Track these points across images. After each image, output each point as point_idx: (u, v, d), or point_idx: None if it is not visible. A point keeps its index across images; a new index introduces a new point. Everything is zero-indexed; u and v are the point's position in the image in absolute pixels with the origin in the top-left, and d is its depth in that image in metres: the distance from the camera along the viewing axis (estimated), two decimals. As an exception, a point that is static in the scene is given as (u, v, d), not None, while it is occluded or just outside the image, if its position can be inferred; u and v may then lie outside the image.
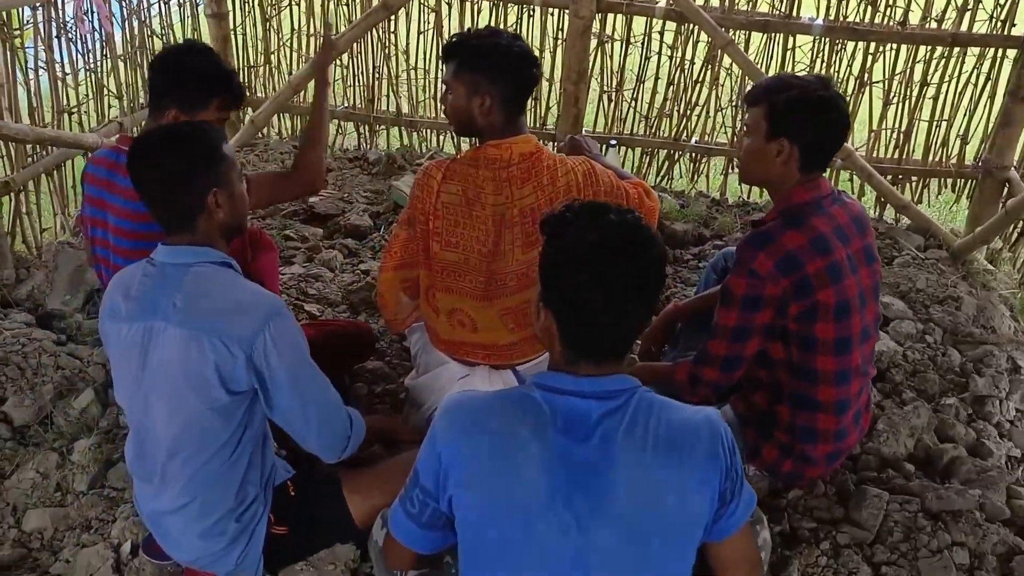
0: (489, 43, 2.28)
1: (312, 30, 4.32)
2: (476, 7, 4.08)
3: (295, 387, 1.90)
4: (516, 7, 4.02)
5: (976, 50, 3.65)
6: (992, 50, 3.63)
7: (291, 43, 4.40)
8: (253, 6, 4.34)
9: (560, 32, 4.01)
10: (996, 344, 3.10)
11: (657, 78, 4.00)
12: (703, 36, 3.85)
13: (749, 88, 2.28)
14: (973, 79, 3.71)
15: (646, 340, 2.85)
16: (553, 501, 1.46)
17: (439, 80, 4.28)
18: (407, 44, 4.28)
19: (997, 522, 2.40)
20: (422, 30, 4.20)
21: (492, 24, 4.07)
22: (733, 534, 1.59)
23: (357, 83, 4.40)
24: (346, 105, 4.47)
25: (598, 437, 1.48)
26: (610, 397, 1.50)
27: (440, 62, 4.22)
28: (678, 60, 3.93)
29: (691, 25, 3.82)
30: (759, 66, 3.79)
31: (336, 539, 2.14)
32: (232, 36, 4.36)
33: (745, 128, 2.25)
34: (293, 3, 4.29)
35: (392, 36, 4.23)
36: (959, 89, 3.74)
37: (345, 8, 4.22)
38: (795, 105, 2.12)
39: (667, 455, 1.48)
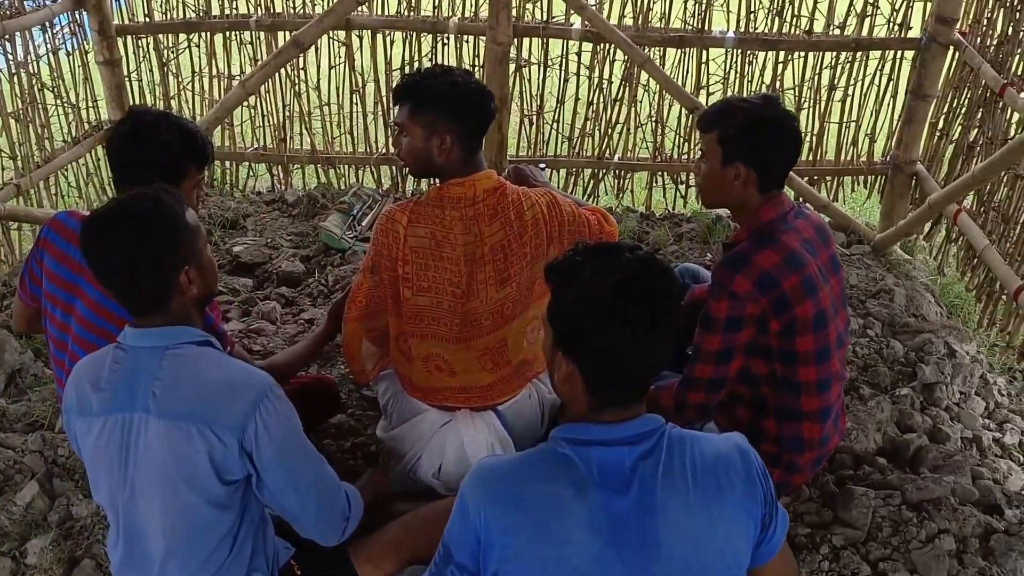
0: (445, 82, 2.25)
1: (214, 71, 4.14)
2: (389, 39, 4.00)
3: (289, 470, 1.77)
4: (430, 36, 3.96)
5: (877, 53, 3.84)
6: (892, 52, 3.83)
7: (192, 86, 4.20)
8: (148, 50, 4.13)
9: (476, 59, 3.99)
10: (932, 331, 3.25)
11: (577, 99, 4.02)
12: (619, 55, 3.91)
13: (700, 114, 2.30)
14: (876, 80, 3.90)
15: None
16: (605, 558, 1.43)
17: (354, 114, 4.18)
18: (318, 80, 4.15)
19: (969, 504, 2.52)
20: (333, 64, 4.09)
21: (406, 55, 4.01)
22: (775, 555, 1.59)
23: (267, 123, 4.24)
24: (256, 146, 4.31)
25: (636, 485, 1.45)
26: (641, 440, 1.48)
27: (352, 96, 4.13)
28: (596, 80, 3.96)
29: (607, 45, 3.87)
30: (676, 80, 3.88)
31: None
32: (127, 83, 4.12)
33: (701, 153, 2.27)
34: (192, 44, 4.10)
35: (302, 72, 4.10)
36: (864, 91, 3.92)
37: (249, 47, 4.07)
38: (745, 129, 2.16)
39: (707, 493, 1.47)
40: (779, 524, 1.59)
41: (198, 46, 4.11)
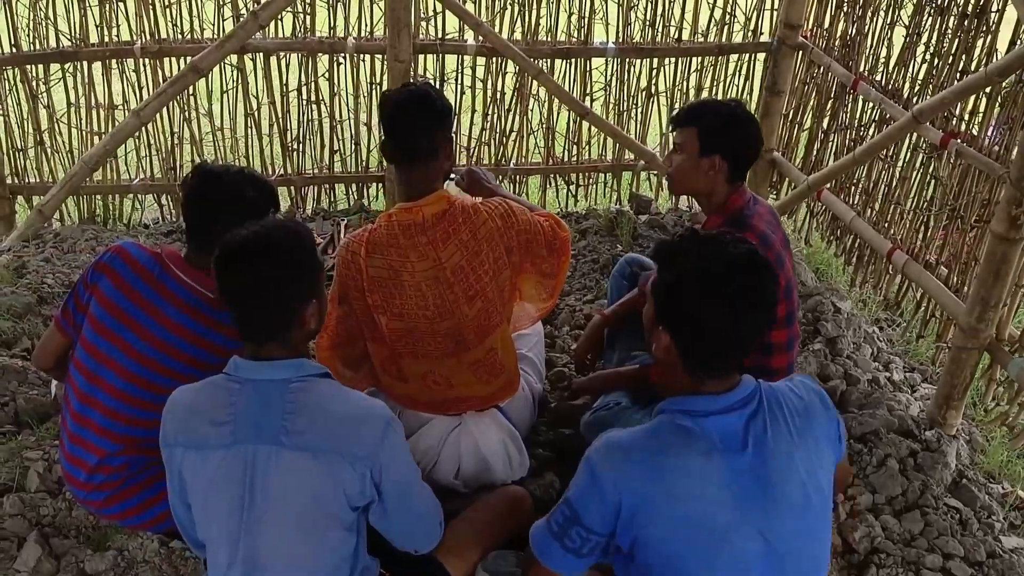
0: (385, 98, 2.38)
1: (93, 102, 3.94)
2: (284, 61, 4.00)
3: (408, 494, 1.90)
4: (326, 57, 4.00)
5: (735, 57, 4.34)
6: (748, 55, 4.34)
7: (68, 119, 3.97)
8: (15, 84, 3.85)
9: (373, 77, 4.08)
10: (820, 294, 3.76)
11: (473, 110, 4.22)
12: (510, 68, 4.15)
13: (676, 112, 2.61)
14: (736, 81, 4.41)
15: (581, 351, 3.09)
16: (739, 511, 1.63)
17: (250, 138, 4.14)
18: (209, 105, 4.06)
19: (893, 431, 3.00)
20: (226, 89, 4.03)
21: (301, 75, 4.03)
22: (842, 458, 1.85)
23: (153, 152, 4.09)
24: (142, 176, 4.13)
25: (751, 443, 1.66)
26: (746, 404, 1.69)
27: (247, 119, 4.08)
28: (491, 92, 4.18)
29: (499, 59, 4.10)
30: (566, 87, 4.18)
31: None
32: (-7, 120, 3.83)
33: (675, 147, 2.57)
34: (67, 73, 3.88)
35: (192, 99, 4.00)
36: (726, 90, 4.42)
37: (134, 75, 3.91)
38: (726, 126, 2.49)
39: (804, 436, 1.71)
40: (843, 432, 1.85)
41: (73, 76, 3.89)
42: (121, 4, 3.77)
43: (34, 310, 3.31)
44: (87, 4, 3.74)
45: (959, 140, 3.10)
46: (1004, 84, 2.94)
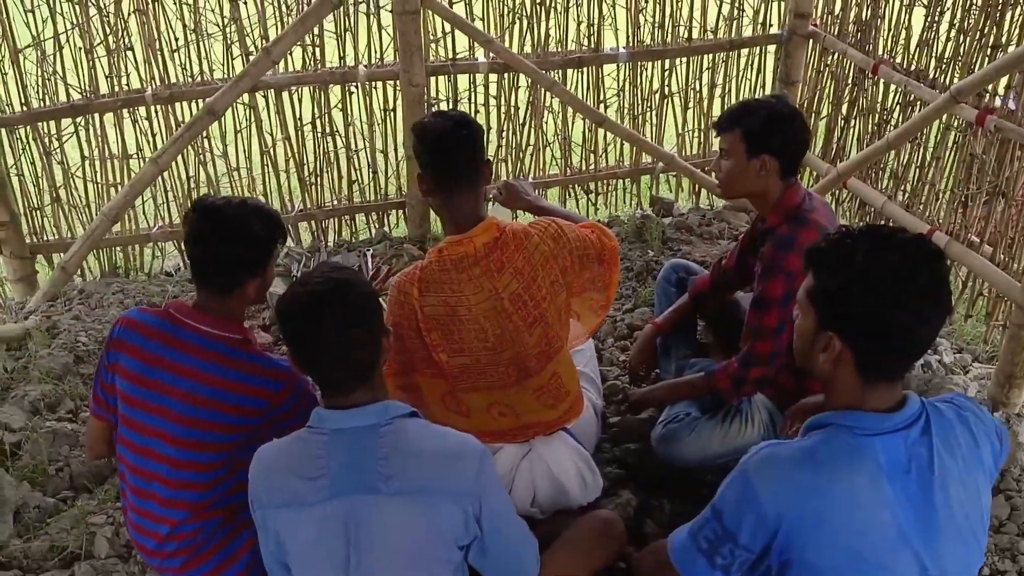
0: (422, 123, 2.31)
1: (107, 153, 3.87)
2: (297, 96, 3.95)
3: (507, 524, 1.84)
4: (338, 87, 3.95)
5: (747, 50, 4.32)
6: (758, 48, 4.32)
7: (83, 172, 3.90)
8: (27, 142, 3.79)
9: (386, 103, 4.03)
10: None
11: (488, 127, 4.17)
12: (522, 82, 4.11)
13: (718, 117, 2.58)
14: (748, 75, 4.38)
15: (636, 362, 3.04)
16: (904, 540, 1.55)
17: (267, 175, 4.09)
18: (224, 146, 4.00)
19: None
20: (239, 129, 3.97)
21: (315, 108, 3.98)
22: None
23: (170, 198, 4.03)
24: (161, 224, 4.07)
25: (915, 469, 1.57)
26: (912, 424, 1.59)
27: (263, 157, 4.03)
28: (504, 108, 4.14)
29: (511, 74, 4.06)
30: (580, 97, 4.15)
31: None
32: (8, 179, 3.76)
33: (722, 152, 2.53)
34: (79, 127, 3.81)
35: (206, 141, 3.94)
36: (739, 85, 4.39)
37: (146, 122, 3.85)
38: (769, 124, 2.45)
39: (968, 464, 1.61)
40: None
41: (85, 129, 3.82)
42: (129, 52, 3.71)
43: (72, 370, 3.25)
44: (95, 55, 3.68)
45: (995, 116, 3.08)
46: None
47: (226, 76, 3.84)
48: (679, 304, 3.03)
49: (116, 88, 3.76)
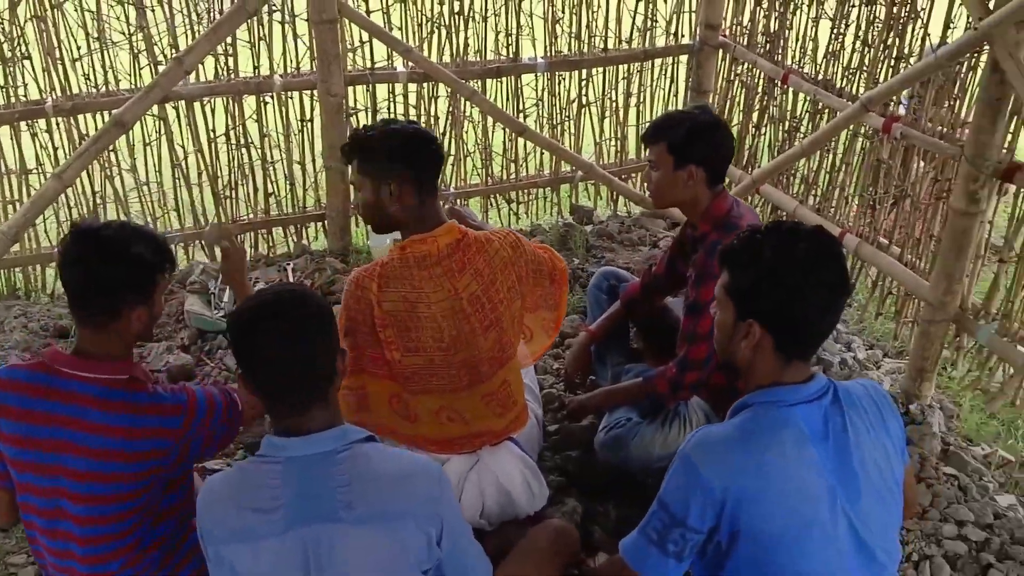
0: (385, 131, 2.30)
1: (3, 168, 3.65)
2: (209, 106, 3.81)
3: (465, 544, 1.81)
4: (253, 97, 3.84)
5: (659, 60, 4.41)
6: (671, 58, 4.42)
7: (-23, 189, 3.67)
8: (-89, 157, 3.53)
9: (303, 113, 3.94)
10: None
11: (408, 138, 4.12)
12: (441, 92, 4.09)
13: (645, 130, 2.62)
14: (662, 83, 4.48)
15: (572, 370, 3.06)
16: (834, 500, 1.68)
17: (178, 189, 3.93)
18: (132, 160, 3.82)
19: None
20: (148, 141, 3.80)
21: (228, 119, 3.85)
22: (908, 464, 1.89)
23: (74, 215, 3.82)
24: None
25: (832, 434, 1.72)
26: (823, 395, 1.75)
27: (174, 171, 3.88)
28: (424, 119, 4.10)
29: (431, 84, 4.03)
30: (500, 107, 4.15)
31: None
32: None
33: (651, 163, 2.58)
34: (-32, 143, 3.58)
35: (112, 154, 3.76)
36: (653, 94, 4.48)
37: (46, 135, 3.65)
38: (692, 135, 2.50)
39: (875, 428, 1.77)
40: (904, 434, 1.90)
41: (-23, 144, 3.59)
42: (27, 61, 3.51)
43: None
44: (-11, 64, 3.47)
45: (900, 123, 3.24)
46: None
47: (133, 87, 3.68)
48: (611, 311, 3.06)
49: (13, 99, 3.55)
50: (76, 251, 1.90)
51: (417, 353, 2.31)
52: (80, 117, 3.66)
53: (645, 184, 2.71)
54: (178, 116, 3.78)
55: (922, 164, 3.41)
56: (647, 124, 4.43)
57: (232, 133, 3.89)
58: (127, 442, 1.89)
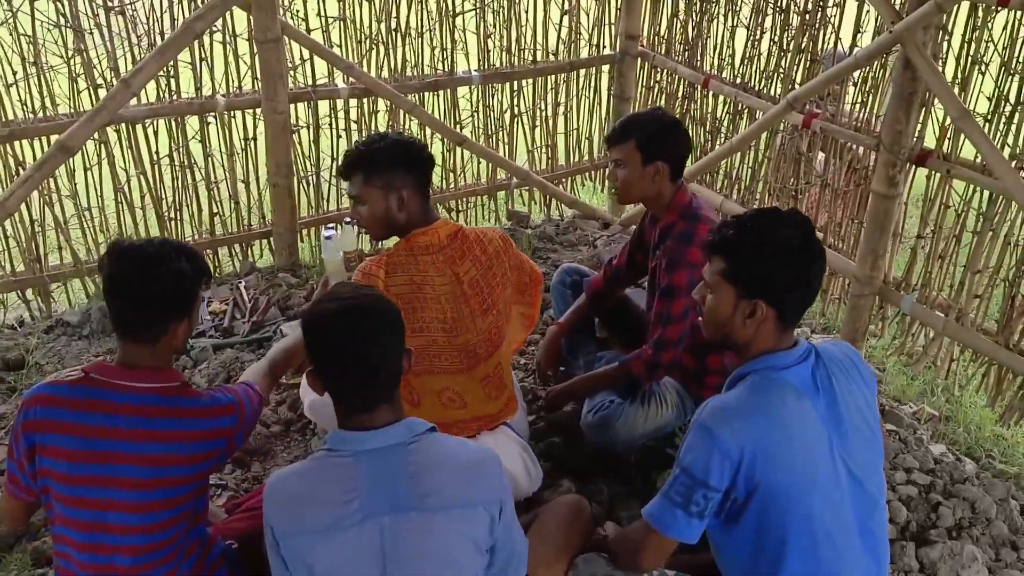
0: (383, 144, 2.47)
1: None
2: (153, 129, 3.79)
3: (515, 522, 1.94)
4: (195, 117, 3.84)
5: (584, 71, 4.66)
6: (594, 68, 4.67)
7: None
8: None
9: (246, 132, 3.97)
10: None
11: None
12: (381, 107, 4.19)
13: (610, 132, 2.80)
14: (587, 92, 4.72)
15: (545, 363, 3.21)
16: (831, 446, 1.91)
17: (121, 213, 3.88)
18: (74, 185, 3.75)
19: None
20: (89, 166, 3.74)
21: (173, 137, 3.84)
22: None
23: (11, 244, 3.71)
24: (2, 274, 3.74)
25: (821, 389, 1.94)
26: (808, 357, 1.97)
27: (117, 195, 3.82)
28: (365, 132, 4.19)
29: (370, 99, 4.13)
30: (438, 118, 4.30)
31: None
32: None
33: (616, 163, 2.75)
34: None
35: (52, 181, 3.67)
36: (579, 103, 4.72)
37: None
38: (660, 133, 2.71)
39: (853, 380, 2.01)
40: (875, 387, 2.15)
41: (-92, 174, 3.45)
42: (-42, 88, 3.42)
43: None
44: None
45: (819, 119, 3.57)
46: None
47: (73, 111, 3.62)
48: (577, 304, 3.24)
49: (-54, 128, 3.44)
50: (119, 272, 1.94)
51: (421, 334, 2.46)
52: (17, 144, 3.57)
53: (609, 182, 2.88)
54: (119, 139, 3.75)
55: (835, 161, 3.75)
56: (573, 131, 4.73)
57: (176, 154, 3.87)
58: (187, 445, 1.96)
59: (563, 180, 4.89)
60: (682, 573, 2.22)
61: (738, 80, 4.07)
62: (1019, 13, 2.92)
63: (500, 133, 4.59)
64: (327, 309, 1.74)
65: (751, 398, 1.92)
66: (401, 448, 1.75)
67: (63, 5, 3.45)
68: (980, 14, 3.01)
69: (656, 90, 4.62)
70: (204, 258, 2.10)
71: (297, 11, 3.91)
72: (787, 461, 1.86)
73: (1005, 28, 2.99)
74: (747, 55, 4.00)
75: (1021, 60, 2.96)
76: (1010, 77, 2.99)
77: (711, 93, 4.24)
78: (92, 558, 1.98)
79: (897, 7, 3.11)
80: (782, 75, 3.83)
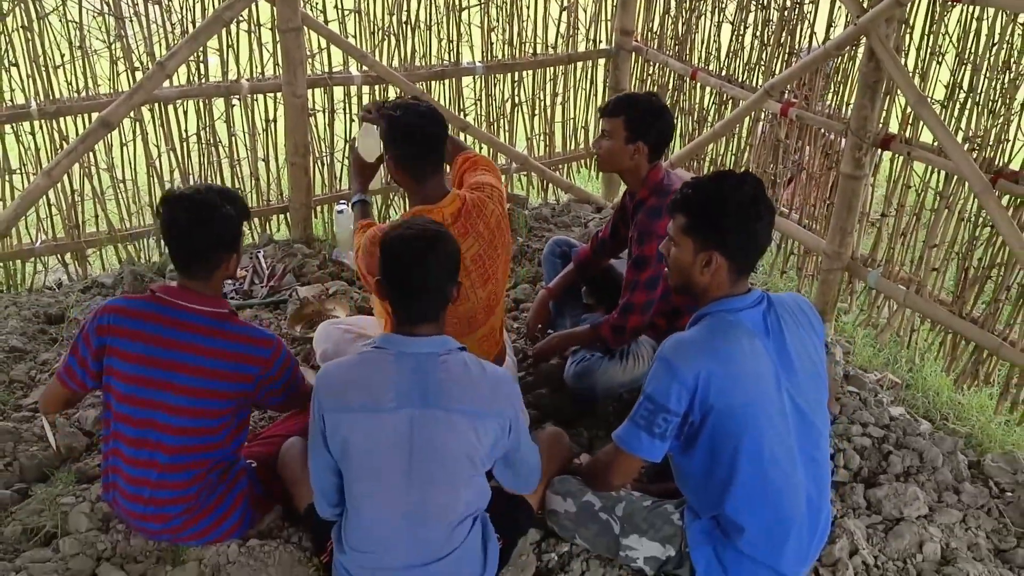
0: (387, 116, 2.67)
1: (-13, 170, 3.88)
2: (183, 109, 4.13)
3: (527, 435, 2.27)
4: (221, 100, 4.18)
5: (581, 63, 4.98)
6: (591, 61, 4.99)
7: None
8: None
9: (267, 114, 4.30)
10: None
11: (363, 136, 4.53)
12: (391, 94, 4.51)
13: (604, 103, 3.08)
14: (584, 84, 5.04)
15: (533, 323, 3.51)
16: (778, 380, 2.20)
17: (152, 187, 4.23)
18: (111, 159, 4.09)
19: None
20: (124, 142, 4.09)
21: (200, 120, 4.18)
22: (827, 362, 2.47)
23: (53, 212, 4.06)
24: (45, 239, 4.09)
25: (771, 331, 2.23)
26: (760, 302, 2.26)
27: (149, 170, 4.17)
28: (378, 116, 4.52)
29: (382, 86, 4.46)
30: (444, 105, 4.62)
31: (528, 530, 2.52)
32: None
33: (604, 133, 3.01)
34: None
35: (91, 155, 4.02)
36: (576, 94, 5.04)
37: (31, 137, 3.89)
38: (647, 116, 2.96)
39: (802, 326, 2.29)
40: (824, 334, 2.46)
41: (-36, 145, 3.81)
42: (14, 68, 3.76)
43: (-18, 380, 3.29)
44: (-23, 72, 3.70)
45: (795, 107, 3.88)
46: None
47: (112, 91, 3.97)
48: (566, 272, 3.54)
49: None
50: (172, 219, 2.28)
51: None
52: (62, 120, 3.92)
53: (595, 148, 3.14)
54: (152, 118, 4.09)
55: (808, 148, 4.05)
56: (570, 120, 5.04)
57: (202, 133, 4.21)
58: (226, 363, 2.31)
59: (560, 166, 5.20)
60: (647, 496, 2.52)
61: (723, 72, 4.39)
62: (971, 8, 3.21)
63: (501, 121, 4.90)
64: (400, 236, 2.09)
65: (706, 334, 2.20)
66: (435, 357, 2.09)
67: (107, -6, 3.81)
68: (937, 8, 3.30)
69: (648, 82, 4.93)
70: (245, 200, 2.42)
71: (316, 3, 4.24)
72: (737, 389, 2.14)
73: (959, 23, 3.28)
74: (732, 49, 4.31)
75: (972, 52, 3.25)
76: (963, 67, 3.29)
77: (699, 85, 4.55)
78: (137, 453, 2.34)
79: (864, 4, 3.41)
80: (763, 67, 4.14)
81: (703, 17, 4.46)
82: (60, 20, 3.78)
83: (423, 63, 4.56)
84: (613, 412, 3.24)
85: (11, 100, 3.83)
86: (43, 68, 3.80)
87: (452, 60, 4.62)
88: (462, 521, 2.15)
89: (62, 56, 3.84)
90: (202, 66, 4.08)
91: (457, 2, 4.50)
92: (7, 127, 3.85)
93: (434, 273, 2.08)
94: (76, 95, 3.92)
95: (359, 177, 3.09)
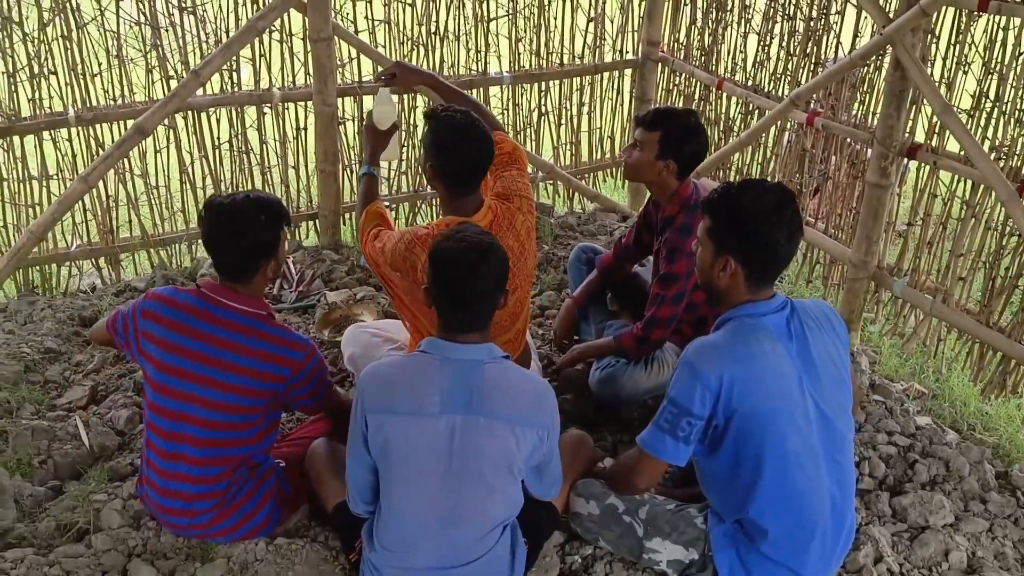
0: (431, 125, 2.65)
1: (26, 175, 3.96)
2: (215, 117, 4.21)
3: (557, 447, 2.29)
4: (253, 108, 4.26)
5: (608, 73, 5.02)
6: (617, 71, 5.03)
7: (1, 194, 3.96)
8: (-60, 165, 3.82)
9: (298, 123, 4.38)
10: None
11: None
12: (419, 102, 4.58)
13: (644, 113, 3.05)
14: (610, 94, 5.08)
15: (560, 331, 3.54)
16: (801, 383, 2.21)
17: (184, 193, 4.32)
18: (144, 165, 4.18)
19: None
20: (158, 149, 4.17)
21: (232, 128, 4.26)
22: (850, 367, 2.44)
23: (88, 217, 4.15)
24: (80, 243, 4.18)
25: (794, 335, 2.24)
26: (784, 308, 2.27)
27: (181, 176, 4.25)
28: (405, 126, 4.58)
29: (410, 95, 4.52)
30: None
31: (552, 533, 2.55)
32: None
33: (636, 143, 2.99)
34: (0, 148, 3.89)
35: (125, 160, 4.11)
36: (603, 103, 5.08)
37: (68, 144, 3.98)
38: (682, 135, 2.93)
39: (825, 332, 2.30)
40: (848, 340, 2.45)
41: (6, 151, 3.90)
42: (53, 77, 3.86)
43: (23, 378, 3.36)
44: (17, 79, 3.79)
45: (821, 117, 3.89)
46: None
47: (147, 99, 4.06)
48: (589, 279, 3.56)
49: (38, 111, 3.89)
50: (210, 230, 2.36)
51: None
52: (99, 126, 4.01)
53: (623, 155, 3.12)
54: (186, 125, 4.17)
55: (834, 158, 4.05)
56: (596, 130, 5.07)
57: (234, 141, 4.29)
58: (259, 362, 2.36)
59: (585, 175, 5.24)
60: (671, 499, 2.53)
61: (749, 83, 4.41)
62: (998, 18, 3.22)
63: (528, 130, 4.95)
64: (452, 247, 2.11)
65: (729, 338, 2.22)
66: (480, 364, 2.12)
67: (144, 5, 3.89)
68: (963, 18, 3.31)
69: (674, 93, 4.96)
70: (283, 205, 2.46)
71: (347, 14, 4.31)
72: (760, 391, 2.15)
73: (985, 32, 3.29)
74: (758, 59, 4.33)
75: (999, 61, 3.25)
76: (990, 76, 3.29)
77: (725, 95, 4.57)
78: (169, 446, 2.40)
79: (890, 14, 3.42)
80: (789, 78, 4.16)
81: (729, 28, 4.49)
82: (98, 30, 3.88)
83: (451, 73, 4.62)
84: (637, 417, 3.25)
85: (50, 107, 3.92)
86: (81, 76, 3.90)
87: (480, 70, 4.68)
88: (493, 528, 2.18)
89: (99, 65, 3.93)
90: (235, 75, 4.17)
91: (485, 13, 4.55)
92: (46, 133, 3.94)
93: (485, 284, 2.12)
94: (112, 103, 4.01)
95: (371, 145, 3.01)
